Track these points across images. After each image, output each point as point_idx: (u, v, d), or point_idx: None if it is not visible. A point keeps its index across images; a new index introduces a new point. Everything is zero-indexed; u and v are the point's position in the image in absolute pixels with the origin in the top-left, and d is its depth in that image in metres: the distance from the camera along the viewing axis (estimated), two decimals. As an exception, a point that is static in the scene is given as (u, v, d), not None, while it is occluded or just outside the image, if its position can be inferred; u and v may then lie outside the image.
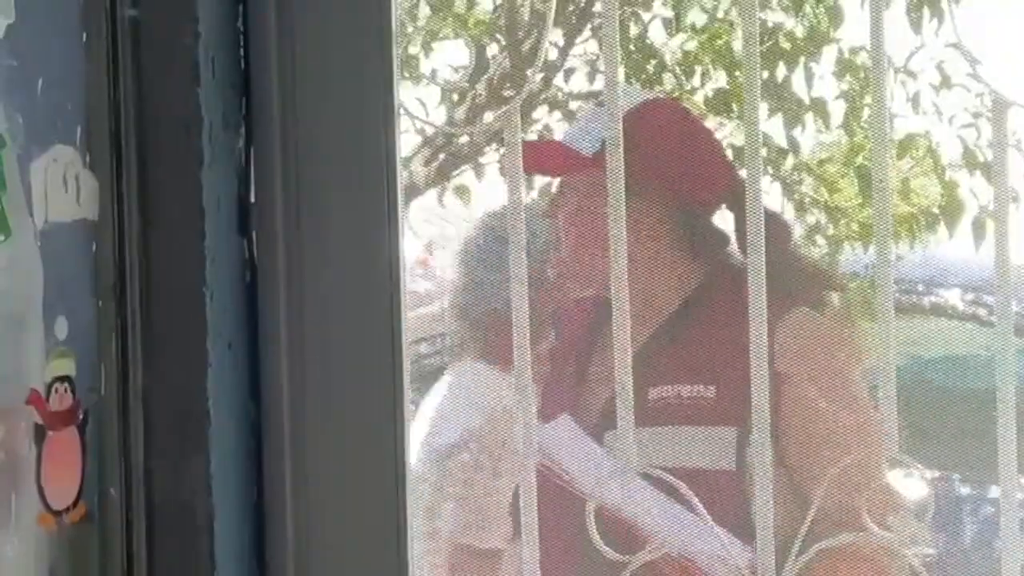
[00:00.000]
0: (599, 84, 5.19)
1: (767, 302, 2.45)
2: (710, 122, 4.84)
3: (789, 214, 5.07)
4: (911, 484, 2.54)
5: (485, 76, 5.18)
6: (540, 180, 5.24)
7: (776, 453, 2.42)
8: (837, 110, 4.98)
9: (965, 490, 4.80)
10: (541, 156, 2.65)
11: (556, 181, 2.78)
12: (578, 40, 5.25)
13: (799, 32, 4.86)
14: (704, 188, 2.55)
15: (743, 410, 2.39)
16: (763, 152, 4.83)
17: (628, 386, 1.83)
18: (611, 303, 2.39)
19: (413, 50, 5.07)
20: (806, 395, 2.45)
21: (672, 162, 2.52)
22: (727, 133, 4.76)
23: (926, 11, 4.89)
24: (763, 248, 1.78)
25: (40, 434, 1.13)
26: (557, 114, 5.33)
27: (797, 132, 4.95)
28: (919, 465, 1.97)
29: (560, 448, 2.48)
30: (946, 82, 5.13)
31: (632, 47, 5.01)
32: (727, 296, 2.47)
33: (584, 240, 2.54)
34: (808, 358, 2.46)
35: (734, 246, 2.55)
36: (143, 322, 1.16)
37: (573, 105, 5.33)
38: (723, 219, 2.59)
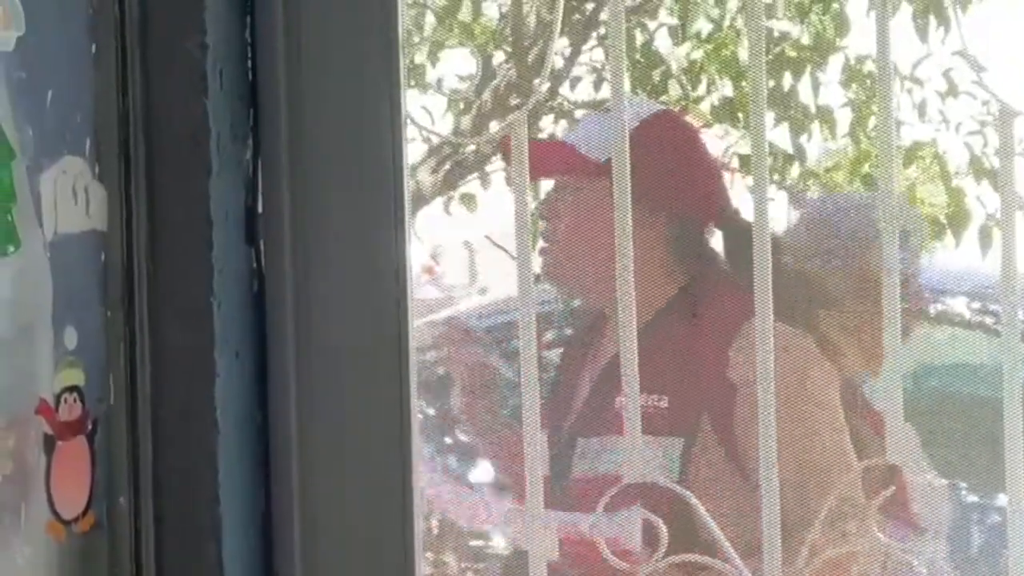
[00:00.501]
0: (605, 93, 5.19)
1: (727, 314, 2.46)
2: (716, 130, 4.84)
3: (795, 221, 5.06)
4: (916, 493, 2.54)
5: (491, 85, 5.19)
6: (545, 189, 5.24)
7: (733, 464, 2.42)
8: (843, 118, 4.98)
9: (972, 498, 4.80)
10: (550, 156, 2.64)
11: (550, 183, 2.79)
12: (584, 49, 5.25)
13: (805, 40, 4.86)
14: (696, 206, 2.56)
15: (693, 421, 2.41)
16: (769, 160, 4.83)
17: (636, 395, 1.83)
18: (595, 313, 2.41)
19: (419, 59, 5.07)
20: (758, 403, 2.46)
21: (666, 178, 2.53)
22: (733, 142, 4.76)
23: (932, 19, 4.89)
24: (769, 260, 1.78)
25: (49, 444, 1.14)
26: (563, 123, 5.33)
27: (803, 140, 4.95)
28: (927, 474, 1.97)
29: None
30: (952, 90, 5.13)
31: (638, 56, 5.01)
32: (697, 307, 2.49)
33: (580, 247, 2.55)
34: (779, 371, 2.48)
35: (720, 260, 2.57)
36: (151, 332, 1.16)
37: (579, 114, 5.33)
38: (712, 235, 2.60)
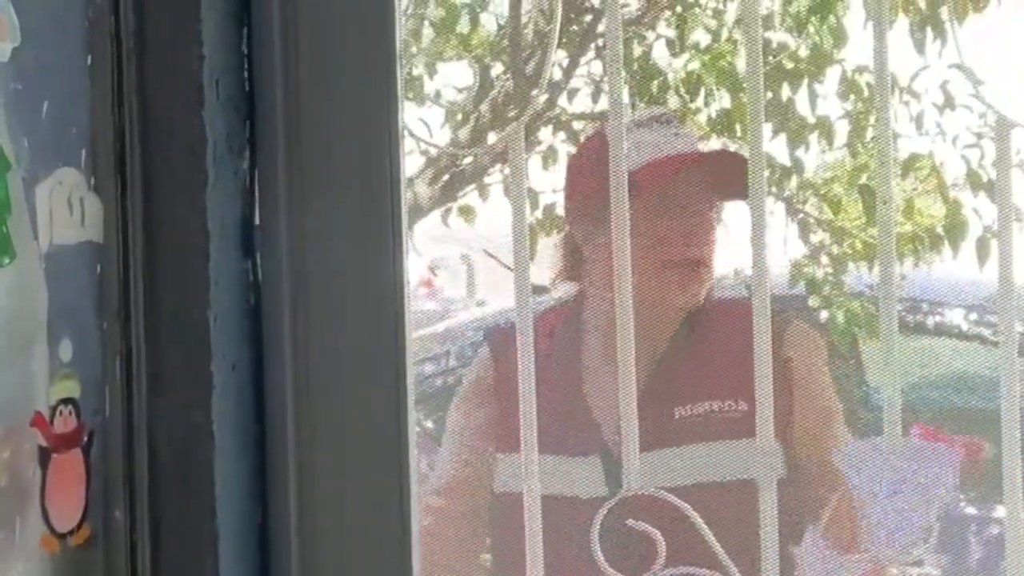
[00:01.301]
0: (603, 104, 5.20)
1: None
2: (714, 142, 4.84)
3: (793, 233, 5.06)
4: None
5: (489, 97, 5.19)
6: (545, 199, 5.25)
7: (790, 459, 2.48)
8: (841, 130, 4.98)
9: (970, 510, 4.79)
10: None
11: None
12: (582, 60, 5.26)
13: (803, 52, 4.86)
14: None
15: (779, 421, 2.46)
16: (767, 172, 4.82)
17: (632, 406, 1.83)
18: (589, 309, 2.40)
19: (417, 71, 5.07)
20: (814, 402, 2.53)
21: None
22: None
23: (929, 32, 4.89)
24: (767, 270, 1.78)
25: (44, 456, 1.13)
26: (561, 134, 5.34)
27: (801, 152, 4.95)
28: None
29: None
30: (949, 102, 5.13)
31: (636, 67, 5.01)
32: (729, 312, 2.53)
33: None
34: (812, 369, 2.55)
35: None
36: (147, 344, 1.16)
37: (577, 125, 5.33)
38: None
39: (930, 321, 5.13)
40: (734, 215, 2.64)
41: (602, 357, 2.57)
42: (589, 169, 2.59)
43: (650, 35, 5.14)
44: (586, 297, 2.63)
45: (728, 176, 2.53)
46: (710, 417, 2.52)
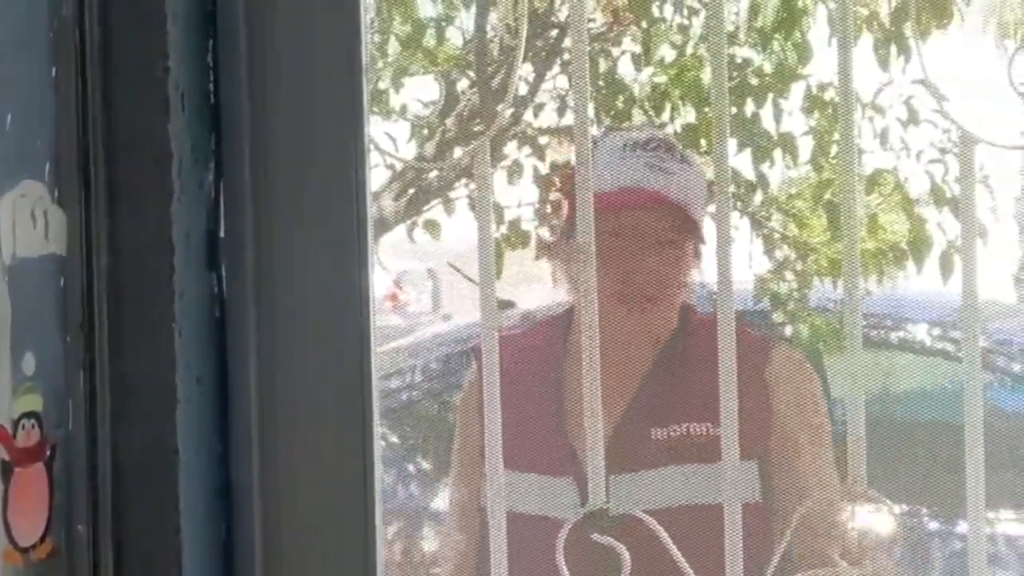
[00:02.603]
0: (569, 119, 5.20)
1: (753, 340, 2.53)
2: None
3: (758, 249, 5.08)
4: (879, 519, 2.55)
5: (455, 111, 5.19)
6: (510, 214, 5.25)
7: (765, 488, 2.48)
8: (805, 145, 5.00)
9: (934, 525, 4.80)
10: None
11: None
12: (548, 75, 5.26)
13: (767, 68, 4.88)
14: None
15: (755, 443, 2.46)
16: (731, 188, 4.85)
17: (598, 422, 1.83)
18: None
19: (383, 85, 5.07)
20: (792, 430, 2.54)
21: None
22: (696, 168, 4.76)
23: (893, 48, 4.92)
24: (731, 285, 1.78)
25: (7, 470, 1.12)
26: (527, 149, 5.34)
27: (766, 167, 4.97)
28: (887, 500, 1.98)
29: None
30: (913, 118, 5.15)
31: (602, 82, 5.02)
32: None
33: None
34: (794, 392, 2.56)
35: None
36: (111, 358, 1.15)
37: (543, 140, 5.33)
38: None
39: (894, 336, 5.15)
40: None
41: (582, 377, 2.57)
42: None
43: (615, 51, 5.15)
44: (574, 314, 2.62)
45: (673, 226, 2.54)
46: (685, 439, 2.52)
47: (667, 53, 4.92)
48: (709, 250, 2.58)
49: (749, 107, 4.89)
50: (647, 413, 2.55)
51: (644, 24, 4.94)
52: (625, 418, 2.56)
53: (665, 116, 4.89)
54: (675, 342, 2.59)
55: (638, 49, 5.02)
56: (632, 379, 2.58)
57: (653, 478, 2.51)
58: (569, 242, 2.57)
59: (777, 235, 5.09)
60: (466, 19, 5.15)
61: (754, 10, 4.75)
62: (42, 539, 1.13)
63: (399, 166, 5.31)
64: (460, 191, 5.44)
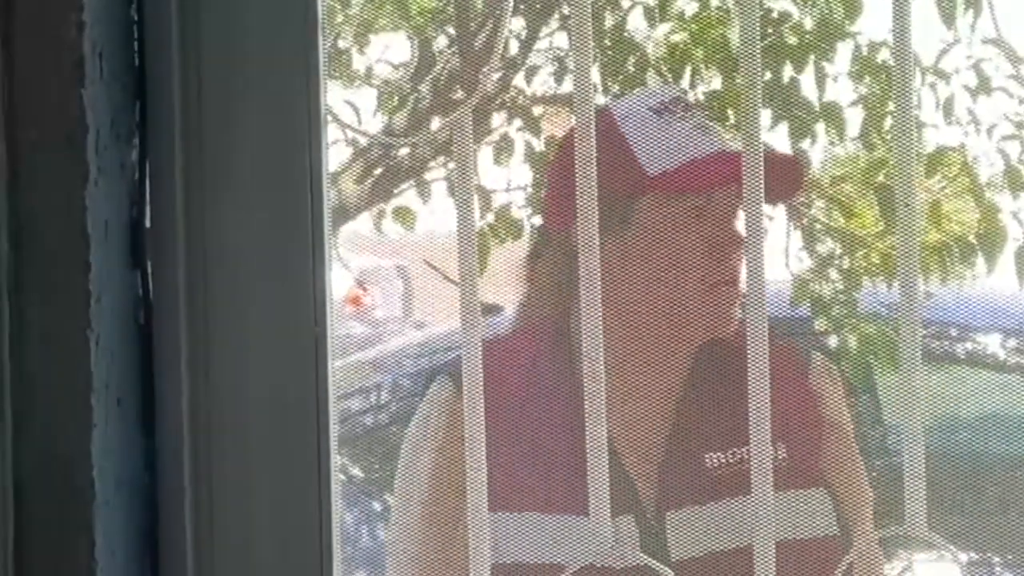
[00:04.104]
0: (568, 86, 5.21)
1: (789, 351, 2.56)
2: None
3: (796, 243, 5.09)
4: (941, 569, 2.56)
5: (430, 75, 5.20)
6: (499, 199, 5.26)
7: (840, 517, 2.52)
8: (854, 118, 5.01)
9: (1007, 576, 4.81)
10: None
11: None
12: (543, 33, 5.27)
13: (808, 24, 4.89)
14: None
15: (819, 465, 2.49)
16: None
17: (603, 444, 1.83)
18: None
19: (344, 44, 5.07)
20: (846, 441, 2.59)
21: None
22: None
23: (960, 1, 4.93)
24: (764, 285, 1.79)
25: None
26: (518, 121, 5.35)
27: (806, 144, 4.98)
28: (951, 547, 1.98)
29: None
30: (984, 85, 5.16)
31: (608, 41, 5.03)
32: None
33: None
34: (839, 402, 2.60)
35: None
36: (13, 373, 1.15)
37: (537, 111, 5.34)
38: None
39: (960, 348, 5.16)
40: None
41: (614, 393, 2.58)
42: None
43: (625, 2, 5.16)
44: (571, 314, 2.62)
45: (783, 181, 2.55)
46: (742, 467, 2.54)
47: (687, 5, 4.93)
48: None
49: (787, 71, 4.90)
50: (693, 435, 2.57)
51: (659, -31, 4.95)
52: (672, 442, 2.57)
53: (685, 82, 4.90)
54: (708, 353, 2.61)
55: (652, 1, 5.03)
56: (668, 395, 2.58)
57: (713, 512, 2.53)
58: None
59: (820, 226, 5.10)
60: (444, -37, 5.16)
61: (792, -46, 4.77)
62: (-71, 593, 1.14)
63: (363, 142, 5.32)
64: (437, 172, 5.45)
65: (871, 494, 2.61)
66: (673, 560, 2.44)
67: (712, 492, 2.53)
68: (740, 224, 2.58)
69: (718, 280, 2.56)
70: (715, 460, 2.54)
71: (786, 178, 2.55)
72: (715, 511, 2.52)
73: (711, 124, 2.64)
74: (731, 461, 2.55)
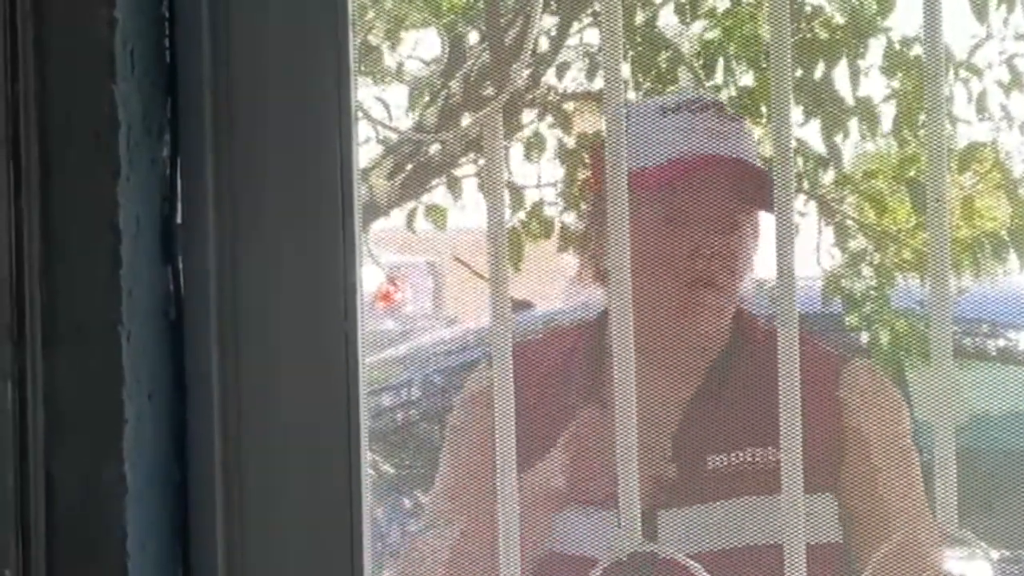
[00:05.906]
0: (599, 82, 5.21)
1: (823, 355, 2.56)
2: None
3: (828, 239, 5.08)
4: (973, 566, 2.56)
5: (461, 72, 5.20)
6: (529, 196, 5.26)
7: (846, 525, 2.51)
8: (886, 113, 5.00)
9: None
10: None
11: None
12: (574, 29, 5.27)
13: (840, 19, 4.88)
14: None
15: (830, 473, 2.48)
16: (798, 164, 4.85)
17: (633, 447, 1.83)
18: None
19: (374, 40, 5.08)
20: (874, 458, 2.57)
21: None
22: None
23: (993, -5, 4.92)
24: (794, 283, 1.79)
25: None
26: (548, 118, 5.35)
27: (838, 140, 4.97)
28: (982, 544, 1.98)
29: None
30: (1017, 81, 5.15)
31: (639, 37, 5.02)
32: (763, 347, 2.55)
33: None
34: (872, 415, 2.59)
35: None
36: (46, 369, 1.15)
37: (568, 107, 5.34)
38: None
39: (992, 345, 5.15)
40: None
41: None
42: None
43: (657, -1, 5.16)
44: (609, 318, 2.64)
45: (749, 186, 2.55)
46: (748, 467, 2.54)
47: (719, 1, 4.92)
48: (766, 241, 2.59)
49: (819, 68, 4.89)
50: (702, 436, 2.57)
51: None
52: (677, 441, 2.57)
53: (718, 77, 4.89)
54: (729, 354, 2.60)
55: (683, -3, 5.03)
56: (682, 395, 2.59)
57: (709, 513, 2.53)
58: (602, 231, 2.59)
59: (851, 222, 5.09)
60: (475, -40, 5.16)
61: (824, -51, 4.76)
62: (-38, 588, 1.14)
63: (394, 138, 5.32)
64: (467, 168, 5.45)
65: (913, 501, 2.59)
66: (660, 558, 2.45)
67: (712, 493, 2.53)
68: (724, 228, 2.57)
69: (692, 280, 2.55)
70: (717, 462, 2.55)
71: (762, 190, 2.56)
72: (712, 512, 2.52)
73: (722, 126, 2.62)
74: (732, 463, 2.55)
